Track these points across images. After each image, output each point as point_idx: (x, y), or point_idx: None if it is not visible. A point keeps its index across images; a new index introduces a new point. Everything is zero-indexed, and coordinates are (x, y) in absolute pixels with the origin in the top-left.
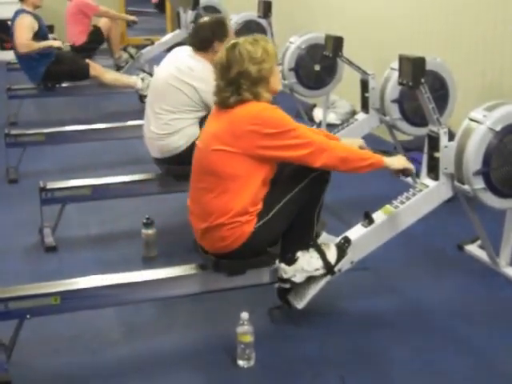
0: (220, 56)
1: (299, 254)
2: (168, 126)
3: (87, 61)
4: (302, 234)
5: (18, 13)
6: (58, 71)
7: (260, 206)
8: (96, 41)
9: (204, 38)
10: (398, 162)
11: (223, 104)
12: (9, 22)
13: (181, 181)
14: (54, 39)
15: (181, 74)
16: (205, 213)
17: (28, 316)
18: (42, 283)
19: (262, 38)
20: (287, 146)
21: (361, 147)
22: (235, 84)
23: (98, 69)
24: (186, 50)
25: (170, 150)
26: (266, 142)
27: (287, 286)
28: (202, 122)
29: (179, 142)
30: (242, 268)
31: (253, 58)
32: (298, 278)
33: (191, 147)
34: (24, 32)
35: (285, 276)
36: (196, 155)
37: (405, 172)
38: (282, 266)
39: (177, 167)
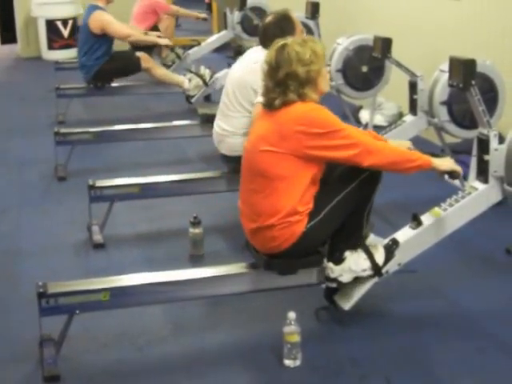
0: (269, 57)
1: (347, 253)
2: (240, 125)
3: (138, 54)
4: (350, 234)
5: (92, 8)
6: (111, 69)
7: (311, 206)
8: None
9: (273, 36)
10: (446, 163)
11: (269, 105)
12: (57, 22)
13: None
14: (159, 37)
15: (251, 71)
16: (255, 213)
17: (77, 311)
18: (93, 279)
19: (311, 39)
20: (334, 146)
21: (409, 149)
22: (283, 85)
23: (151, 62)
24: (258, 47)
25: (238, 149)
26: (312, 142)
27: (334, 285)
28: None
29: None
30: (293, 267)
31: (301, 60)
32: (345, 278)
33: None
34: (118, 24)
35: (332, 275)
36: (245, 156)
37: (452, 174)
38: (330, 265)
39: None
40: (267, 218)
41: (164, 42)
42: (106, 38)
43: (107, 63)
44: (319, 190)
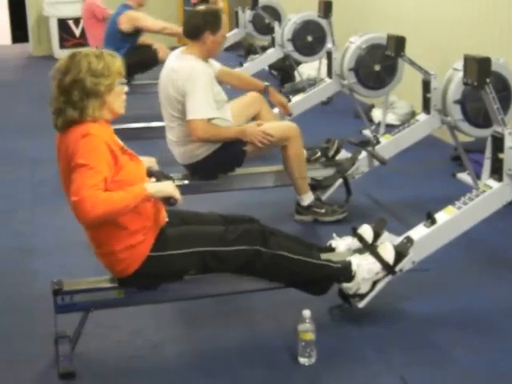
0: (60, 62)
1: (354, 267)
2: (181, 133)
3: (155, 46)
4: (320, 277)
5: (123, 7)
6: (129, 65)
7: (148, 222)
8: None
9: (195, 25)
10: (163, 189)
11: (55, 126)
12: (69, 21)
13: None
14: None
15: (170, 80)
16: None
17: (92, 309)
18: (107, 277)
19: (111, 54)
20: (72, 179)
21: (148, 169)
22: (67, 94)
23: (168, 52)
24: (176, 51)
25: (189, 156)
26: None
27: (357, 299)
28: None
29: (197, 151)
30: (150, 285)
31: (91, 70)
32: (364, 288)
33: (213, 156)
34: (150, 19)
35: (351, 292)
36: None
37: (168, 200)
38: (344, 285)
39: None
40: (104, 248)
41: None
42: (133, 37)
43: (125, 58)
44: (189, 228)
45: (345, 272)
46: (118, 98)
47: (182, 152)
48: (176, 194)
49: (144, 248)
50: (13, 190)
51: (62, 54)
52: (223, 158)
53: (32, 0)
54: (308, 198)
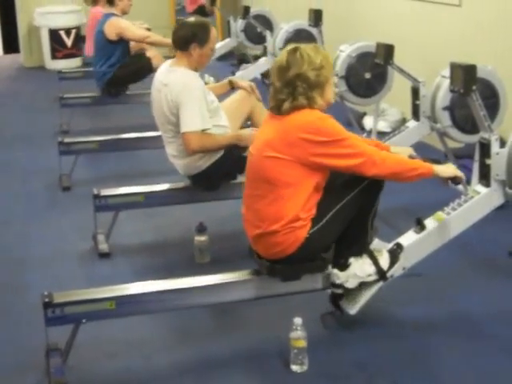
0: (280, 57)
1: (352, 259)
2: (180, 147)
3: (148, 55)
4: (355, 241)
5: (108, 15)
6: (123, 74)
7: (314, 212)
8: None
9: (183, 37)
10: (448, 170)
11: (277, 109)
12: (60, 32)
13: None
14: None
15: (163, 95)
16: (258, 219)
17: (84, 320)
18: (98, 288)
19: (322, 48)
20: (339, 154)
21: (411, 156)
22: (291, 86)
23: (162, 60)
24: (165, 64)
25: (191, 169)
26: (317, 149)
27: (339, 291)
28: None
29: (199, 162)
30: (297, 273)
31: (312, 63)
32: (351, 284)
33: (215, 166)
34: (136, 29)
35: (337, 281)
36: (249, 161)
37: (455, 180)
38: (335, 271)
39: (204, 181)
40: (271, 224)
41: None
42: (121, 45)
43: (119, 69)
44: (322, 197)
45: (358, 252)
46: (331, 90)
47: (183, 164)
48: (460, 173)
49: (303, 232)
50: (4, 201)
51: (53, 65)
52: (225, 166)
53: (23, 10)
54: None
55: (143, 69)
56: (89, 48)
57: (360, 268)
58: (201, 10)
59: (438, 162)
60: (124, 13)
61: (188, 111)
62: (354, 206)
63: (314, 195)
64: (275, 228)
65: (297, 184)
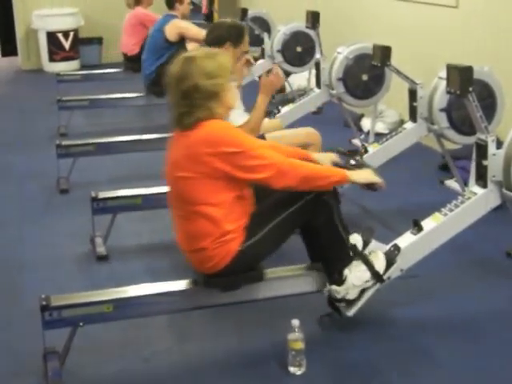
0: (174, 69)
1: (346, 271)
2: None
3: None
4: (337, 254)
5: (168, 17)
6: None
7: (245, 220)
8: None
9: (218, 35)
10: (365, 175)
11: (179, 124)
12: (58, 34)
13: None
14: None
15: None
16: (186, 239)
17: (81, 324)
18: (95, 291)
19: (220, 53)
20: (246, 167)
21: (333, 162)
22: (188, 98)
23: None
24: None
25: None
26: (224, 162)
27: (343, 304)
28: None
29: None
30: (234, 284)
31: (207, 73)
32: (352, 295)
33: None
34: (196, 29)
35: (338, 296)
36: (167, 183)
37: (371, 186)
38: (333, 287)
39: None
40: (199, 242)
41: None
42: (177, 45)
43: (161, 68)
44: (260, 207)
45: (349, 260)
46: (231, 95)
47: None
48: (379, 180)
49: (235, 245)
50: (1, 203)
51: (51, 68)
52: None
53: (20, 13)
54: None
55: None
56: (125, 45)
57: (356, 277)
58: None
59: (359, 166)
60: (184, 16)
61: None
62: (294, 222)
63: (239, 205)
64: (204, 245)
65: (214, 199)
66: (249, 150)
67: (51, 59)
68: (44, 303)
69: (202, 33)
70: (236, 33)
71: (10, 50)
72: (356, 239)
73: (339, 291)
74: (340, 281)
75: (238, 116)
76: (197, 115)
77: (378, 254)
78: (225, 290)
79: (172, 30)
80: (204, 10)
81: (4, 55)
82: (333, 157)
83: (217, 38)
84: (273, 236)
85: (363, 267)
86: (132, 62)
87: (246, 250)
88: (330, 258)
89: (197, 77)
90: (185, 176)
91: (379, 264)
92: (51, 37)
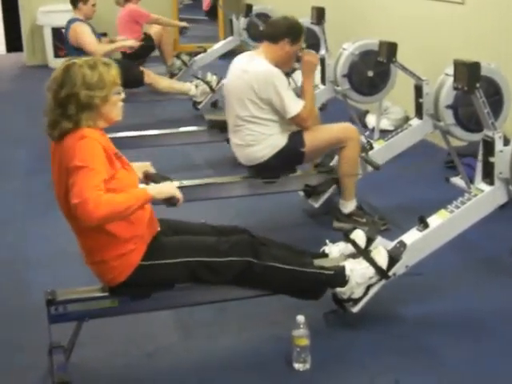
0: (54, 74)
1: (347, 270)
2: (248, 137)
3: (141, 68)
4: (307, 285)
5: (71, 21)
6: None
7: (141, 230)
8: (147, 48)
9: (278, 31)
10: (164, 190)
11: (50, 135)
12: (63, 30)
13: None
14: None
15: (244, 82)
16: (84, 253)
17: (86, 318)
18: (100, 286)
19: (106, 63)
20: (70, 184)
21: (145, 173)
22: (63, 107)
23: (153, 76)
24: (246, 53)
25: (253, 158)
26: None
27: (350, 303)
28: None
29: (263, 152)
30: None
31: (86, 83)
32: (358, 294)
33: (277, 156)
34: (92, 38)
35: (345, 297)
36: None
37: (170, 200)
38: (338, 289)
39: (265, 172)
40: (96, 256)
41: (129, 43)
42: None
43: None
44: (179, 237)
45: (338, 278)
46: (114, 108)
47: (246, 154)
48: (177, 193)
49: (135, 257)
50: (5, 200)
51: (56, 64)
52: (286, 158)
53: (25, 9)
54: (350, 206)
55: (134, 81)
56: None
57: (359, 275)
58: (215, 8)
59: (166, 179)
60: (87, 18)
61: (288, 97)
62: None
63: (125, 223)
64: (102, 259)
65: None
66: (84, 167)
67: (56, 55)
68: (50, 297)
69: (91, 46)
70: (296, 32)
71: (16, 46)
72: (358, 235)
73: (344, 292)
74: (343, 283)
75: (293, 101)
76: (63, 126)
77: (379, 249)
78: (133, 298)
79: (72, 36)
80: (205, 6)
81: (9, 51)
82: (147, 166)
83: (275, 31)
84: (175, 271)
85: (365, 264)
86: (133, 59)
87: (149, 267)
88: (304, 290)
89: (76, 86)
90: (60, 192)
91: (381, 259)
92: (56, 33)
